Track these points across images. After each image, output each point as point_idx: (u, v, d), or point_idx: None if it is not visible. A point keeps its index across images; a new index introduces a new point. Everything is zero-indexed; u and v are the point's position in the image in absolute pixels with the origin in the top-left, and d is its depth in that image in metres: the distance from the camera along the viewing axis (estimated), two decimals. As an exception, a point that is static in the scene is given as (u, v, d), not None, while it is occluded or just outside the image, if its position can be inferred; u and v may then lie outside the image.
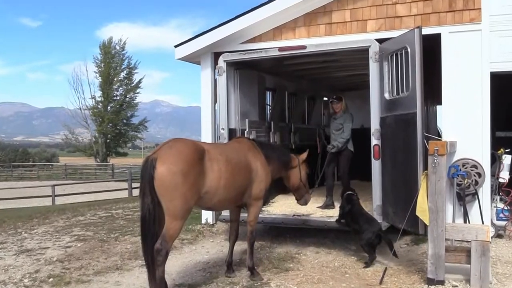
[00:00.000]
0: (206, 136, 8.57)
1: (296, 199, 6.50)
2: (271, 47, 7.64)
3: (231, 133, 7.63)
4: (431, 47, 6.89)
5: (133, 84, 50.94)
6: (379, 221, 6.53)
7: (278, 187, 7.80)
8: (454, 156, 6.87)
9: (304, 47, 7.20)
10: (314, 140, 8.64)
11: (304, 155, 6.22)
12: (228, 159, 5.07)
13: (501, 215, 7.28)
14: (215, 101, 8.32)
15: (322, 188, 9.65)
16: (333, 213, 7.26)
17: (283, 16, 7.89)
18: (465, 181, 6.55)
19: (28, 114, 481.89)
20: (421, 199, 5.27)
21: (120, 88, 50.70)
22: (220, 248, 7.11)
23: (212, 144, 6.29)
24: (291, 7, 7.74)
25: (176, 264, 6.22)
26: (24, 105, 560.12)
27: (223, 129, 7.64)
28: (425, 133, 5.74)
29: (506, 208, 7.33)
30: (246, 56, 7.53)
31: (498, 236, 7.32)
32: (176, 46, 8.76)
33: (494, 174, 7.28)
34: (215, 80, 7.99)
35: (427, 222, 5.22)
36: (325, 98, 12.41)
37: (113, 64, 49.73)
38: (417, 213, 5.32)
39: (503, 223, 7.29)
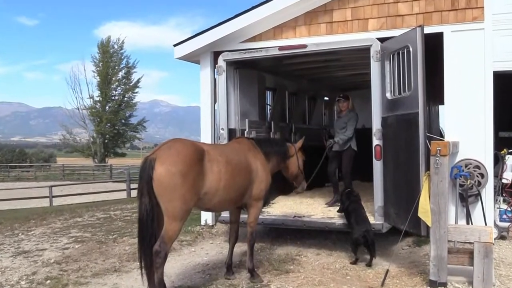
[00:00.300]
0: (205, 136, 8.55)
1: (295, 187, 6.41)
2: (271, 46, 7.58)
3: (231, 133, 7.58)
4: (433, 46, 6.84)
5: (131, 84, 50.88)
6: (380, 222, 6.48)
7: (278, 188, 7.76)
8: (456, 156, 6.84)
9: (304, 46, 7.14)
10: (316, 140, 8.58)
11: (300, 143, 6.20)
12: (228, 160, 5.05)
13: (504, 216, 7.21)
14: (215, 101, 8.29)
15: (323, 188, 9.67)
16: (334, 215, 7.21)
17: (284, 14, 7.86)
18: (468, 182, 6.52)
19: (25, 114, 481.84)
20: (423, 200, 5.24)
21: (119, 88, 50.66)
22: (220, 249, 7.06)
23: (212, 145, 6.27)
24: (291, 6, 7.71)
25: (175, 266, 6.18)
26: (21, 105, 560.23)
27: (222, 129, 7.59)
28: (427, 133, 5.72)
29: (509, 209, 7.26)
30: (246, 55, 7.47)
31: (501, 237, 7.26)
32: (175, 45, 8.73)
33: (497, 175, 7.23)
34: (215, 79, 7.97)
35: (429, 224, 5.17)
36: (326, 98, 12.38)
37: (112, 64, 49.63)
38: (419, 215, 5.28)
39: (506, 224, 7.22)
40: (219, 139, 7.63)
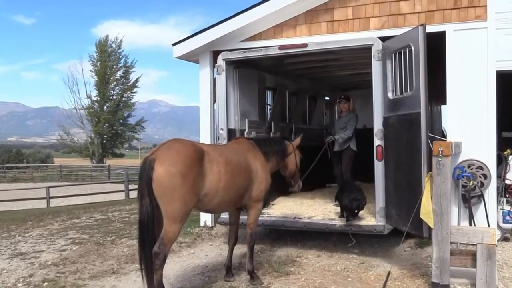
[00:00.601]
0: (204, 137, 8.50)
1: (291, 186, 6.34)
2: (271, 45, 7.52)
3: (230, 133, 7.53)
4: (436, 45, 6.81)
5: (130, 83, 50.63)
6: (381, 223, 6.46)
7: (278, 189, 7.70)
8: (459, 157, 6.79)
9: (305, 45, 7.08)
10: (316, 140, 8.53)
11: (297, 140, 6.18)
12: (228, 161, 5.02)
13: (507, 217, 7.17)
14: (214, 101, 8.25)
15: (323, 189, 9.65)
16: (335, 216, 7.17)
17: (284, 13, 7.81)
18: (471, 182, 6.47)
19: (22, 114, 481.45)
20: (425, 201, 5.20)
21: (117, 87, 50.36)
22: (219, 251, 7.01)
23: (212, 145, 6.22)
24: (292, 4, 7.66)
25: (174, 268, 6.13)
26: (18, 104, 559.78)
27: (222, 129, 7.53)
28: (429, 134, 5.67)
29: (512, 210, 7.22)
30: (246, 55, 7.41)
31: (505, 239, 7.23)
32: (174, 45, 8.68)
33: (500, 176, 7.19)
34: (214, 79, 7.92)
35: (431, 225, 5.14)
36: (327, 98, 12.34)
37: (110, 63, 49.41)
38: (421, 216, 5.25)
39: (509, 225, 7.19)
40: (218, 139, 7.58)
